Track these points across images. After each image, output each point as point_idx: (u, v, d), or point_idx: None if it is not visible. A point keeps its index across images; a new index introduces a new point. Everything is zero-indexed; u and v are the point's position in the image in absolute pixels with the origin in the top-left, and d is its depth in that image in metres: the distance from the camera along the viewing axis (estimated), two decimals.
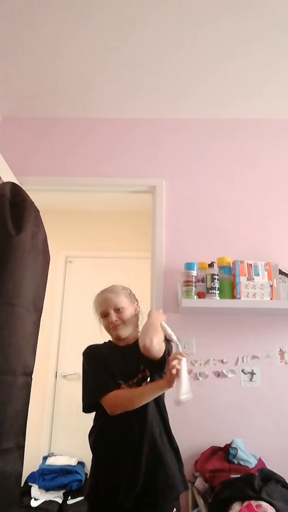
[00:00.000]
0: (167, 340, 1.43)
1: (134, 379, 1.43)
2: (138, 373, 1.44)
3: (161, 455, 1.36)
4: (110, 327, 1.51)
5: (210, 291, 2.01)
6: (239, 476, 1.61)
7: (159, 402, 1.44)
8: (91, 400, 1.41)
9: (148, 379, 1.43)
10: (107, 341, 1.60)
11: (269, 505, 1.39)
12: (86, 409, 1.43)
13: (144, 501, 1.30)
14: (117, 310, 1.51)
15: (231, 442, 1.84)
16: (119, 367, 1.46)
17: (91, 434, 1.45)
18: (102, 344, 1.59)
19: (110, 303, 1.52)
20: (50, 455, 3.03)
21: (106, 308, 1.52)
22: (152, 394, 1.35)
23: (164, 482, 1.33)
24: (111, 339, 1.60)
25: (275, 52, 2.06)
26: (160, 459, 1.35)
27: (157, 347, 1.31)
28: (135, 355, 1.42)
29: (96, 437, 1.42)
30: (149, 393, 1.35)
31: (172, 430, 1.46)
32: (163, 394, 1.45)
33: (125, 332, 1.51)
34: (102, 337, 1.60)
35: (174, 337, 1.42)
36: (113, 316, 1.50)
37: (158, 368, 1.39)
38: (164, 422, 1.44)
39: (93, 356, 1.52)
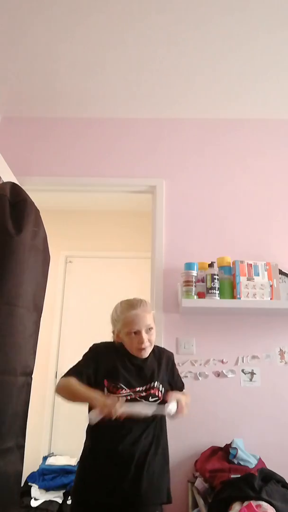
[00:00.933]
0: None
1: (141, 387, 1.43)
2: (146, 385, 1.44)
3: (152, 473, 1.37)
4: (138, 347, 1.45)
5: (210, 291, 2.01)
6: (239, 476, 1.61)
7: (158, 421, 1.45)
8: (70, 372, 1.45)
9: (158, 399, 1.43)
10: (114, 342, 1.56)
11: (269, 505, 1.38)
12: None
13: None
14: (148, 331, 1.47)
15: (231, 442, 1.84)
16: (127, 373, 1.45)
17: (85, 444, 1.45)
18: (109, 344, 1.55)
19: (144, 323, 1.45)
20: (50, 455, 3.02)
21: (139, 327, 1.45)
22: (86, 401, 1.37)
23: (149, 488, 1.34)
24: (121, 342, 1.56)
25: (275, 52, 2.06)
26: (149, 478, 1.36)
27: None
28: (149, 367, 1.48)
29: (86, 451, 1.43)
30: (85, 400, 1.36)
31: (170, 434, 1.49)
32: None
33: (149, 353, 1.50)
34: (105, 337, 1.58)
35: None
36: (145, 337, 1.45)
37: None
38: (159, 440, 1.44)
39: (91, 353, 1.51)
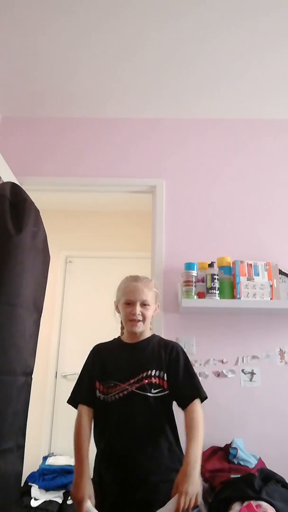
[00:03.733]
0: None
1: (135, 377, 1.38)
2: (141, 373, 1.39)
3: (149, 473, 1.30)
4: (130, 319, 1.44)
5: (210, 291, 2.01)
6: (239, 476, 1.61)
7: (163, 419, 1.38)
8: (68, 400, 1.50)
9: (162, 389, 1.38)
10: (116, 337, 1.58)
11: (269, 505, 1.39)
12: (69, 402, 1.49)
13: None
14: (143, 305, 1.45)
15: (231, 442, 1.84)
16: (120, 365, 1.43)
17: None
18: (110, 341, 1.56)
19: (139, 295, 1.45)
20: (50, 455, 3.02)
21: (134, 298, 1.44)
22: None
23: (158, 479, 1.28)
24: (119, 336, 1.57)
25: (276, 53, 2.06)
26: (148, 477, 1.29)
27: None
28: (142, 355, 1.44)
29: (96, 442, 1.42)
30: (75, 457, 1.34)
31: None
32: (172, 415, 1.40)
33: (141, 329, 1.47)
34: (114, 320, 1.58)
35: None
36: (138, 309, 1.43)
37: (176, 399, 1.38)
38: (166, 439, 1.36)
39: (90, 358, 1.51)
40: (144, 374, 1.39)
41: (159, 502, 1.18)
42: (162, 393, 1.37)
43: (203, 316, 2.15)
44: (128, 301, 1.46)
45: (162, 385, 1.38)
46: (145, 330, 1.51)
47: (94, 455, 1.39)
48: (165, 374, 1.39)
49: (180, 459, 1.27)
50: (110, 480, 1.32)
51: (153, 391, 1.36)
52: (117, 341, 1.55)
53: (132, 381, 1.38)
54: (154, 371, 1.40)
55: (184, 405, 1.35)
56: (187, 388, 1.38)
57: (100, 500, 1.28)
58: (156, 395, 1.36)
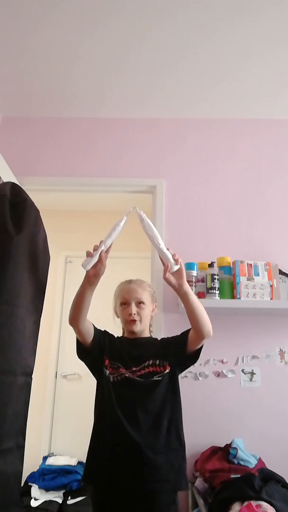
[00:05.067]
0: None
1: (137, 366, 1.42)
2: (144, 362, 1.43)
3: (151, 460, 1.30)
4: (127, 319, 1.51)
5: (210, 291, 2.01)
6: (239, 476, 1.61)
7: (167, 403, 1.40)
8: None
9: (162, 374, 1.41)
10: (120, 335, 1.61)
11: (269, 505, 1.39)
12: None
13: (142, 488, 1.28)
14: (139, 304, 1.51)
15: (231, 442, 1.84)
16: (122, 353, 1.46)
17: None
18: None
19: (134, 295, 1.51)
20: (50, 455, 3.03)
21: (129, 298, 1.51)
22: (83, 286, 1.39)
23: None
24: (122, 334, 1.60)
25: (275, 53, 2.06)
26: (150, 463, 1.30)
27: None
28: (145, 348, 1.47)
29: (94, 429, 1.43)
30: (82, 287, 1.39)
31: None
32: (178, 399, 1.43)
33: (139, 329, 1.51)
34: (115, 324, 1.61)
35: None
36: (134, 309, 1.49)
37: (190, 359, 1.44)
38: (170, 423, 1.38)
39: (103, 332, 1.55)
40: (146, 364, 1.43)
41: (157, 479, 1.26)
42: (162, 375, 1.41)
43: None
44: (123, 302, 1.52)
45: (162, 371, 1.42)
46: (144, 330, 1.54)
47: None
48: (163, 361, 1.43)
49: (179, 438, 1.36)
50: (104, 460, 1.32)
51: (155, 377, 1.41)
52: (122, 338, 1.59)
53: (133, 369, 1.42)
54: (153, 360, 1.44)
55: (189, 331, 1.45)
56: (182, 338, 1.47)
57: (97, 480, 1.31)
58: (158, 378, 1.41)
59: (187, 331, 1.47)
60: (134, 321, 1.49)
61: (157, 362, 1.44)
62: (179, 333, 1.52)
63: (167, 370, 1.43)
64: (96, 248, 1.34)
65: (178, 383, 1.46)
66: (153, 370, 1.42)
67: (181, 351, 1.45)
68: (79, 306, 1.40)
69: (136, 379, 1.40)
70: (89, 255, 1.33)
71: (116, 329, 1.63)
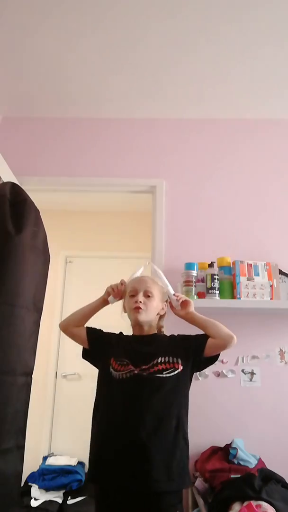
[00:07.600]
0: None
1: (147, 364, 1.37)
2: (153, 360, 1.38)
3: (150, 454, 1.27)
4: (133, 307, 1.46)
5: (210, 291, 2.01)
6: (239, 476, 1.61)
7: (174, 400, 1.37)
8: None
9: (173, 370, 1.39)
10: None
11: (269, 505, 1.39)
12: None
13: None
14: (147, 295, 1.48)
15: (231, 442, 1.84)
16: (131, 351, 1.43)
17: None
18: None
19: (144, 285, 1.50)
20: (50, 455, 3.02)
21: (138, 287, 1.49)
22: (94, 309, 1.52)
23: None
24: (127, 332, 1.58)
25: (274, 53, 2.06)
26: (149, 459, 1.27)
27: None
28: (155, 345, 1.45)
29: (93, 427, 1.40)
30: (93, 308, 1.52)
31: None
32: (186, 397, 1.44)
33: (144, 318, 1.46)
34: (122, 319, 1.58)
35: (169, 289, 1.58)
36: (141, 297, 1.46)
37: (208, 362, 1.49)
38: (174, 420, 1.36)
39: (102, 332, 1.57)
40: (155, 362, 1.39)
41: (164, 480, 1.24)
42: (173, 373, 1.38)
43: None
44: (132, 292, 1.50)
45: (170, 366, 1.39)
46: (151, 326, 1.51)
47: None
48: (172, 358, 1.41)
49: (185, 437, 1.36)
50: (111, 458, 1.29)
51: (165, 374, 1.37)
52: (127, 335, 1.56)
53: (143, 367, 1.37)
54: (162, 358, 1.40)
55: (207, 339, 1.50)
56: (199, 340, 1.53)
57: (103, 479, 1.28)
58: (167, 375, 1.37)
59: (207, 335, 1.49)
60: (139, 308, 1.44)
61: (168, 359, 1.40)
62: (179, 333, 1.52)
63: (179, 369, 1.39)
64: (120, 288, 1.54)
65: (190, 382, 1.44)
66: (162, 368, 1.38)
67: (199, 353, 1.45)
68: (85, 318, 1.53)
69: (146, 376, 1.35)
70: (112, 292, 1.53)
71: (115, 325, 1.60)
